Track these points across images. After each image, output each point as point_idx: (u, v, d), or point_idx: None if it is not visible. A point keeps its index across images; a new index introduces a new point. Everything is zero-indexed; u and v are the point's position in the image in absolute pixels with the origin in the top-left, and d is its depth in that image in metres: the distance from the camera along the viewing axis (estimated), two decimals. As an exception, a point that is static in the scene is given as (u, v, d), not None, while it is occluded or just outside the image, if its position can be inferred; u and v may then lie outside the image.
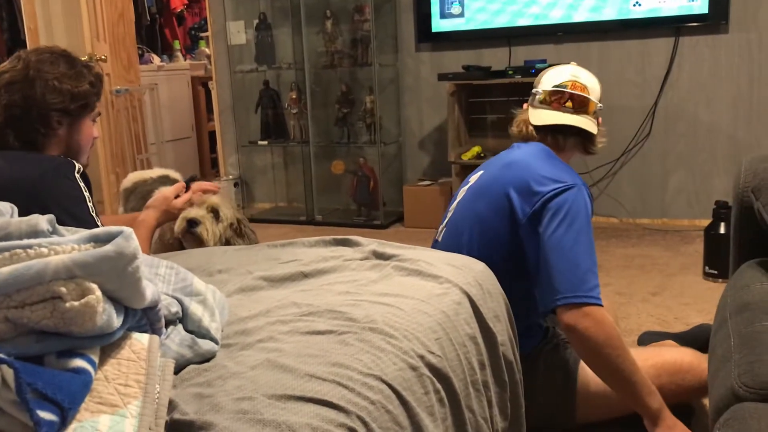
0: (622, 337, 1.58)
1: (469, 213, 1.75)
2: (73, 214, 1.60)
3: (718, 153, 3.81)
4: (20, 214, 1.43)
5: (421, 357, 1.18)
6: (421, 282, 1.42)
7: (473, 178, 1.85)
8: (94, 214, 1.66)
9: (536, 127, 1.82)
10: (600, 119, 1.87)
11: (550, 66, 1.96)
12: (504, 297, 1.53)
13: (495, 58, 4.07)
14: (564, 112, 1.80)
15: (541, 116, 1.81)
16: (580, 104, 1.80)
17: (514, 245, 1.65)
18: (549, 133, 1.81)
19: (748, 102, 3.71)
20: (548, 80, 1.83)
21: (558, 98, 1.80)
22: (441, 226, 1.88)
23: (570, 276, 1.53)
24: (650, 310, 2.66)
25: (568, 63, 1.94)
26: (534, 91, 1.86)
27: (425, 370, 1.17)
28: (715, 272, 2.93)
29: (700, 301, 2.73)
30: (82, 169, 1.69)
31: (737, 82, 3.71)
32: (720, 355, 1.20)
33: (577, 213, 1.58)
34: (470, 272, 1.49)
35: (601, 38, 3.91)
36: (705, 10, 3.63)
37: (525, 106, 1.91)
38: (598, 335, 1.51)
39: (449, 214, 1.86)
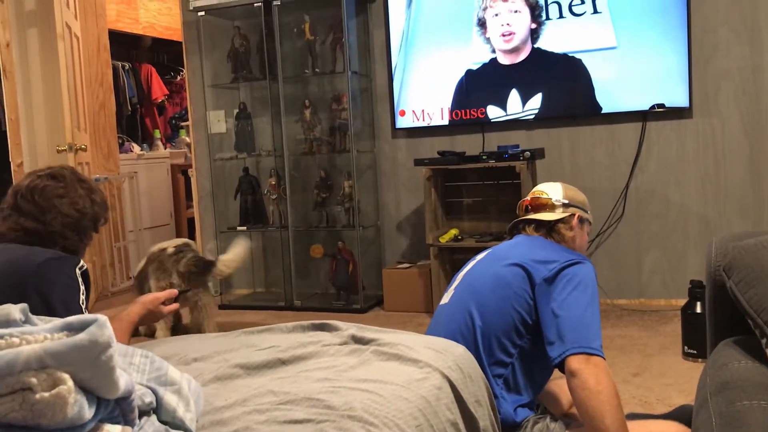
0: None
1: (487, 272, 1.88)
2: (65, 302, 1.72)
3: (690, 232, 3.89)
4: (16, 296, 1.49)
5: (402, 444, 1.16)
6: (400, 366, 1.41)
7: (479, 257, 1.99)
8: (83, 306, 1.77)
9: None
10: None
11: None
12: (485, 381, 1.52)
13: (469, 143, 4.17)
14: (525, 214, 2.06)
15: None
16: (536, 206, 2.05)
17: (529, 302, 1.77)
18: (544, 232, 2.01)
19: (716, 182, 3.82)
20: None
21: (525, 207, 2.10)
22: (449, 290, 1.97)
23: (582, 332, 1.66)
24: (632, 391, 2.64)
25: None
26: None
27: (406, 458, 1.15)
28: (695, 352, 2.93)
29: (681, 381, 2.72)
30: (84, 267, 1.84)
31: (704, 163, 3.83)
32: (702, 435, 1.19)
33: (588, 283, 1.74)
34: (450, 356, 1.48)
35: (570, 124, 4.04)
36: (668, 99, 3.79)
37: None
38: (600, 381, 1.60)
39: (457, 280, 1.97)
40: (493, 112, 4.12)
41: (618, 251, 4.02)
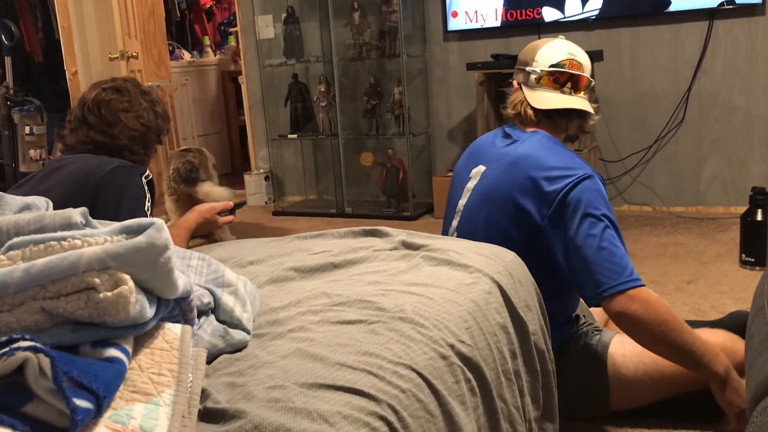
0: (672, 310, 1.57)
1: (481, 218, 1.73)
2: (131, 208, 1.80)
3: (755, 139, 3.73)
4: (86, 201, 1.57)
5: (452, 346, 1.18)
6: (450, 271, 1.42)
7: (474, 173, 1.80)
8: (148, 213, 1.85)
9: (536, 110, 1.77)
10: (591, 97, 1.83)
11: (539, 39, 1.90)
12: (535, 286, 1.52)
13: (524, 46, 4.02)
14: (563, 93, 1.76)
15: (544, 99, 1.77)
16: (577, 84, 1.77)
17: (532, 247, 1.63)
18: (549, 116, 1.77)
19: (786, 86, 3.62)
20: (544, 58, 1.78)
21: (557, 78, 1.76)
22: (450, 229, 1.84)
23: (608, 266, 1.53)
24: (685, 298, 2.62)
25: (557, 37, 1.87)
26: (529, 69, 1.80)
27: (456, 359, 1.17)
28: (752, 260, 2.87)
29: (736, 289, 2.68)
30: (150, 177, 1.90)
31: (774, 65, 3.63)
32: (757, 342, 1.17)
33: (596, 202, 1.57)
34: (500, 262, 1.48)
35: (632, 24, 3.84)
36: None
37: (515, 83, 1.86)
38: (649, 316, 1.50)
39: (457, 219, 1.82)
40: (549, 14, 3.94)
41: (677, 158, 3.90)
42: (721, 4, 3.58)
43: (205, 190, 3.67)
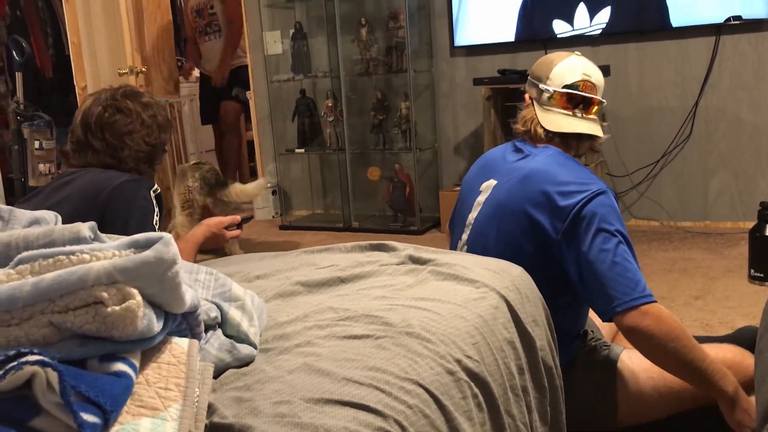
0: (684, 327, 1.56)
1: (492, 232, 1.71)
2: (140, 222, 1.81)
3: (763, 153, 3.72)
4: (95, 215, 1.58)
5: (459, 361, 1.18)
6: (457, 286, 1.42)
7: (485, 187, 1.78)
8: (156, 227, 1.86)
9: (546, 130, 1.76)
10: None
11: (553, 53, 1.88)
12: (542, 301, 1.52)
13: (531, 61, 4.03)
14: (575, 117, 1.76)
15: (555, 121, 1.76)
16: (589, 105, 1.77)
17: (544, 261, 1.62)
18: (560, 136, 1.76)
19: (794, 100, 3.62)
20: (558, 77, 1.77)
21: (570, 100, 1.76)
22: (460, 243, 1.82)
23: (622, 281, 1.52)
24: (693, 314, 2.61)
25: (572, 53, 1.86)
26: (542, 87, 1.79)
27: (463, 375, 1.17)
28: (761, 275, 2.86)
29: (745, 304, 2.66)
30: (158, 191, 1.92)
31: (781, 80, 3.62)
32: (767, 357, 1.16)
33: (610, 217, 1.56)
34: (508, 276, 1.48)
35: (638, 39, 3.85)
36: (746, 10, 3.55)
37: (527, 98, 1.85)
38: (661, 331, 1.49)
39: (467, 232, 1.80)
40: (559, 27, 3.95)
41: (684, 172, 3.89)
42: (728, 19, 3.59)
43: (238, 189, 3.66)
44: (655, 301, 1.53)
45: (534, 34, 4.02)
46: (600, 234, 1.54)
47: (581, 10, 3.90)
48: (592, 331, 1.78)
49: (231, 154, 5.21)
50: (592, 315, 1.83)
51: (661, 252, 3.46)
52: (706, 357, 1.53)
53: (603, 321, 1.61)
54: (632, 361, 1.68)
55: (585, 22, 3.90)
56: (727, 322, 2.50)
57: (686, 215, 3.93)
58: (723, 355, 1.66)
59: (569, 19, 3.93)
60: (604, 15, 3.85)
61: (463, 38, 4.21)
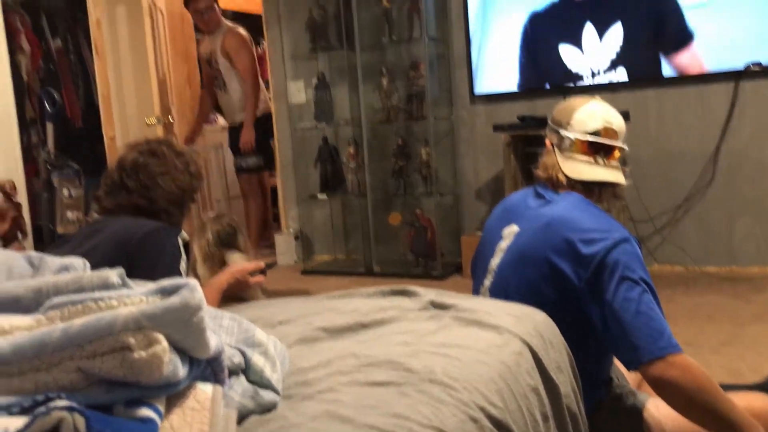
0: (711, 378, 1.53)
1: (514, 278, 1.70)
2: (168, 269, 1.83)
3: (788, 197, 3.69)
4: (125, 262, 1.61)
5: (482, 409, 1.17)
6: (480, 332, 1.41)
7: (507, 233, 1.77)
8: (183, 273, 1.91)
9: (568, 177, 1.77)
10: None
11: (573, 98, 1.88)
12: (566, 347, 1.50)
13: (550, 108, 4.06)
14: (597, 164, 1.75)
15: (577, 169, 1.76)
16: (611, 152, 1.77)
17: (568, 307, 1.61)
18: (582, 183, 1.76)
19: (817, 144, 3.60)
20: (579, 124, 1.77)
21: (591, 147, 1.76)
22: (482, 288, 1.81)
23: (647, 330, 1.50)
24: (720, 360, 2.56)
25: (593, 98, 1.86)
26: (563, 133, 1.79)
27: (486, 422, 1.15)
28: (791, 321, 2.80)
29: (775, 351, 2.61)
30: (187, 238, 1.98)
31: (804, 124, 3.61)
32: (797, 406, 1.14)
33: (633, 265, 1.55)
34: (531, 322, 1.47)
35: (657, 85, 3.88)
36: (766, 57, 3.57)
37: (548, 144, 1.85)
38: (688, 382, 1.47)
39: (489, 278, 1.79)
40: (567, 52, 4.00)
41: (707, 216, 3.86)
42: (748, 66, 3.60)
43: (234, 257, 3.68)
44: (681, 351, 1.50)
45: (553, 82, 4.06)
46: (624, 282, 1.53)
47: (588, 28, 3.94)
48: (617, 378, 1.76)
49: (252, 219, 5.06)
50: (617, 362, 1.80)
51: (686, 297, 3.41)
52: (734, 407, 1.50)
53: (629, 370, 1.59)
54: (659, 411, 1.65)
55: (594, 43, 3.93)
56: (757, 368, 2.45)
57: (711, 260, 3.88)
58: (752, 404, 1.62)
59: (577, 43, 3.97)
60: (622, 74, 3.88)
61: (482, 86, 4.27)
